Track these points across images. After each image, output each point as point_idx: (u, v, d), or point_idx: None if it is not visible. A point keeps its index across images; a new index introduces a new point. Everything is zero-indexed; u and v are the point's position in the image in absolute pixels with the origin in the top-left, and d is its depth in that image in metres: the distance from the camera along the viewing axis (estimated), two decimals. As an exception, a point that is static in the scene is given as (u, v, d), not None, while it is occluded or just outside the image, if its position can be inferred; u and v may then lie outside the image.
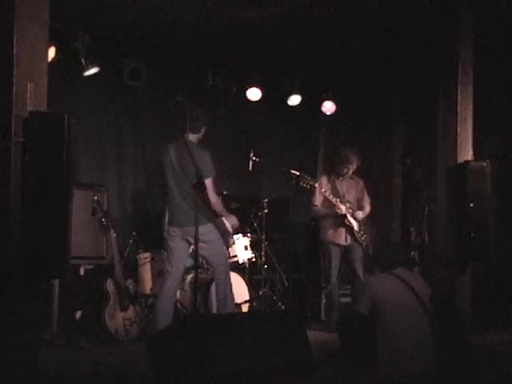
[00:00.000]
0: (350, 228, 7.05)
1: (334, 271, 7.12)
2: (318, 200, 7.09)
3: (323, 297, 8.04)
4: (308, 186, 6.93)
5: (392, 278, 4.81)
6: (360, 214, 7.11)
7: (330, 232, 7.14)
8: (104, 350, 6.02)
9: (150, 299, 6.79)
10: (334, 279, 7.13)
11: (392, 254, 5.02)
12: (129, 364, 5.36)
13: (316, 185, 6.94)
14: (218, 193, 6.09)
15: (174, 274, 5.98)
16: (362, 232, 7.10)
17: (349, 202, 7.12)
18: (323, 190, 6.97)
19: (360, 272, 7.10)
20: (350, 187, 7.24)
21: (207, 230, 5.88)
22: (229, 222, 6.29)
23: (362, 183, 7.35)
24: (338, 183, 7.18)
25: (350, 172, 7.18)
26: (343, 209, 6.99)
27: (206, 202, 5.83)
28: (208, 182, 5.77)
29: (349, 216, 7.03)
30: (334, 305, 7.20)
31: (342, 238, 7.11)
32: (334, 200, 6.97)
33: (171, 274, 5.97)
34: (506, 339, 6.61)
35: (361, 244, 7.10)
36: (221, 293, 6.04)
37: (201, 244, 5.73)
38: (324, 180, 7.18)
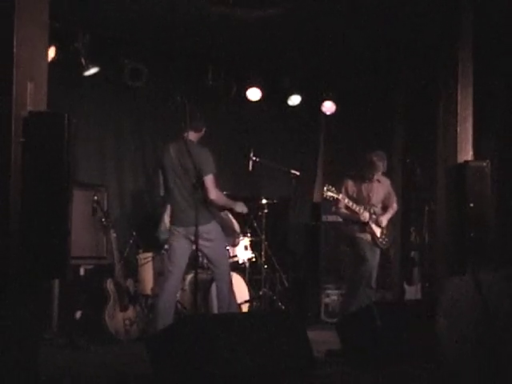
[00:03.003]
0: (372, 233, 7.02)
1: (350, 275, 7.11)
2: (341, 203, 7.03)
3: (322, 296, 8.05)
4: (331, 199, 6.89)
5: (465, 281, 4.75)
6: (384, 221, 7.07)
7: (360, 232, 7.11)
8: (104, 350, 6.02)
9: (150, 299, 6.80)
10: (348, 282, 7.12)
11: (467, 256, 4.94)
12: (129, 364, 5.36)
13: (340, 196, 6.89)
14: (220, 189, 6.07)
15: (176, 274, 5.98)
16: (383, 236, 7.06)
17: (373, 205, 7.07)
18: (346, 200, 6.91)
19: (374, 276, 7.03)
20: (376, 189, 7.15)
21: (211, 228, 5.88)
22: (238, 209, 6.27)
23: (388, 182, 7.28)
24: (363, 186, 7.10)
25: (376, 177, 7.14)
26: (367, 216, 6.96)
27: (208, 200, 5.82)
28: (209, 178, 5.77)
29: (371, 223, 7.01)
30: (344, 307, 7.17)
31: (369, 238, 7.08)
32: (357, 209, 6.94)
33: (173, 274, 5.96)
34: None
35: (381, 248, 7.09)
36: (222, 292, 6.04)
37: (204, 242, 5.75)
38: (349, 183, 7.10)
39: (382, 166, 7.07)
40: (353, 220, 7.04)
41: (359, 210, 6.94)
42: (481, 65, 6.63)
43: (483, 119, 7.22)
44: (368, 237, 7.06)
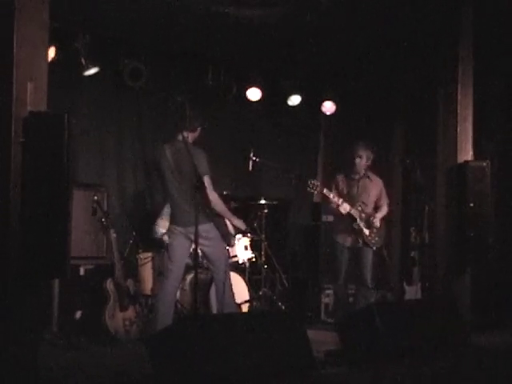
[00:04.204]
0: (359, 231, 6.98)
1: (341, 271, 7.07)
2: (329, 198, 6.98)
3: (322, 296, 8.05)
4: (313, 191, 6.87)
5: None
6: (377, 222, 7.01)
7: (340, 233, 7.07)
8: (104, 350, 6.02)
9: (150, 299, 6.80)
10: (341, 279, 7.09)
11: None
12: (129, 364, 5.36)
13: (325, 191, 6.85)
14: (216, 190, 6.05)
15: (176, 273, 5.98)
16: (373, 235, 6.99)
17: (363, 203, 7.01)
18: (332, 195, 6.87)
19: (368, 276, 7.00)
20: (367, 187, 7.10)
21: (209, 228, 5.89)
22: (236, 223, 6.26)
23: (380, 183, 7.21)
24: (353, 183, 7.08)
25: (360, 167, 7.04)
26: (347, 208, 6.91)
27: (206, 201, 5.82)
28: (206, 179, 5.76)
29: (358, 220, 6.96)
30: (339, 304, 7.17)
31: (351, 240, 7.02)
32: (339, 201, 6.88)
33: (172, 273, 5.96)
34: (506, 339, 6.61)
35: (371, 247, 7.03)
36: (221, 292, 6.04)
37: (203, 241, 5.75)
38: (339, 179, 7.11)
39: (364, 155, 6.99)
40: (337, 214, 6.98)
41: (338, 200, 6.85)
42: (481, 65, 6.64)
43: (483, 119, 7.23)
44: (351, 242, 7.01)
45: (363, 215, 6.98)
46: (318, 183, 6.80)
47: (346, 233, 7.01)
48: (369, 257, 7.03)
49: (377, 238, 7.03)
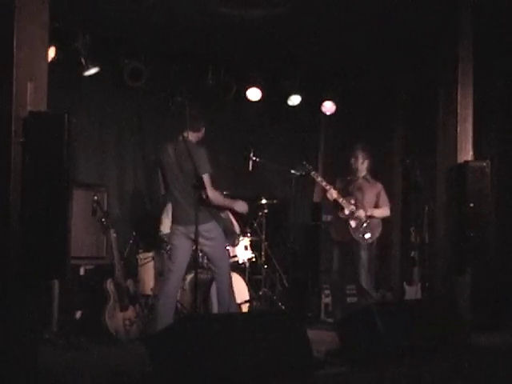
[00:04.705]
0: (348, 224, 6.95)
1: (333, 267, 7.08)
2: (317, 193, 7.02)
3: (322, 296, 8.05)
4: (303, 173, 6.90)
5: None
6: (361, 213, 6.94)
7: (334, 230, 7.10)
8: (104, 350, 6.02)
9: (150, 299, 6.80)
10: (334, 276, 7.10)
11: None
12: (129, 364, 5.35)
13: (313, 173, 6.90)
14: (217, 188, 6.04)
15: (176, 273, 5.97)
16: (362, 230, 6.94)
17: (356, 199, 6.99)
18: (319, 179, 6.89)
19: (362, 275, 6.95)
20: (362, 188, 7.08)
21: (211, 227, 5.88)
22: (238, 208, 6.24)
23: (379, 187, 7.19)
24: (350, 182, 7.09)
25: (355, 167, 7.07)
26: (334, 194, 6.84)
27: (207, 200, 5.82)
28: (205, 178, 5.76)
29: (346, 211, 6.94)
30: (337, 303, 7.17)
31: (339, 233, 7.01)
32: (327, 187, 6.88)
33: (173, 273, 5.96)
34: (506, 339, 6.61)
35: (360, 242, 6.96)
36: (222, 292, 6.04)
37: (204, 241, 5.75)
38: (338, 180, 7.15)
39: (360, 156, 7.05)
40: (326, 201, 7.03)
41: (328, 187, 6.88)
42: (481, 65, 6.63)
43: (483, 119, 7.23)
44: (343, 237, 6.98)
45: (353, 208, 6.94)
46: (311, 167, 6.87)
47: (338, 227, 7.04)
48: (362, 255, 6.96)
49: (369, 234, 7.00)
